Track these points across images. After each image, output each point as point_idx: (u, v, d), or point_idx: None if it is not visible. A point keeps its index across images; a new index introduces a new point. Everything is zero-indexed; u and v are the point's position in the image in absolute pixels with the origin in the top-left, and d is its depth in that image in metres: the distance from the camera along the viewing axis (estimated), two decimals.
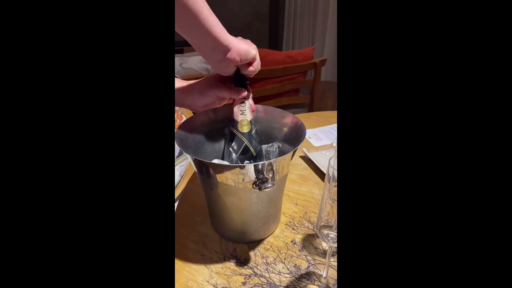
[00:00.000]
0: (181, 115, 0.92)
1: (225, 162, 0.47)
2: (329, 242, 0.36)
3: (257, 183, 0.38)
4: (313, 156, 0.68)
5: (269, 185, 0.37)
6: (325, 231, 0.37)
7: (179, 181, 0.89)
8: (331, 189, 0.34)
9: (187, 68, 1.29)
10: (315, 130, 0.84)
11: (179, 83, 0.47)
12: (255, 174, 0.38)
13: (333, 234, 0.37)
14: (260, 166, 0.38)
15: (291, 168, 0.67)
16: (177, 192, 0.89)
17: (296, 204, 0.57)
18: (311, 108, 1.63)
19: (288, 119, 0.49)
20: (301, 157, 0.72)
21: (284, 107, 1.64)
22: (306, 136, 0.82)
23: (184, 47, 2.87)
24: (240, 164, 0.43)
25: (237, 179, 0.39)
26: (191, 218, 0.54)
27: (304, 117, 0.96)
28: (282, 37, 3.06)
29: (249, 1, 3.07)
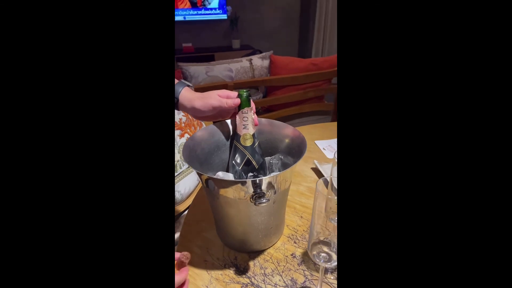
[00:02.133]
0: (202, 123, 0.97)
1: (230, 174, 0.49)
2: (320, 261, 0.37)
3: (254, 197, 0.40)
4: (323, 169, 0.68)
5: (264, 200, 0.39)
6: (316, 251, 0.37)
7: (196, 186, 0.93)
8: (328, 206, 0.35)
9: (212, 76, 1.35)
10: (330, 141, 0.84)
11: (187, 92, 0.50)
12: (253, 189, 0.40)
13: (324, 253, 0.37)
14: (257, 181, 0.40)
15: (300, 180, 0.68)
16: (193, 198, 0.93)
17: (301, 217, 0.57)
18: (335, 116, 1.60)
19: (290, 132, 0.50)
20: (312, 169, 0.72)
21: (307, 114, 1.64)
22: (321, 148, 0.82)
23: (215, 53, 2.98)
24: (237, 180, 0.45)
25: (236, 193, 0.41)
26: (199, 223, 0.57)
27: (321, 128, 0.95)
28: (312, 42, 3.03)
29: (280, 6, 3.10)
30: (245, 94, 0.47)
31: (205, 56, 2.94)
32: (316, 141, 0.84)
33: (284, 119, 1.58)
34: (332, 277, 0.46)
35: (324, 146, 0.82)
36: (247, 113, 0.48)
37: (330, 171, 0.43)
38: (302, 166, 0.73)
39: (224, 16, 2.99)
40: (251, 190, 0.40)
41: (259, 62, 1.52)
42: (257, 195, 0.40)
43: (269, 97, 1.51)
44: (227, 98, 0.49)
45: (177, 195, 0.88)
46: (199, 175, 0.43)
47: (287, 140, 0.51)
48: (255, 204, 0.39)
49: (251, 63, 1.46)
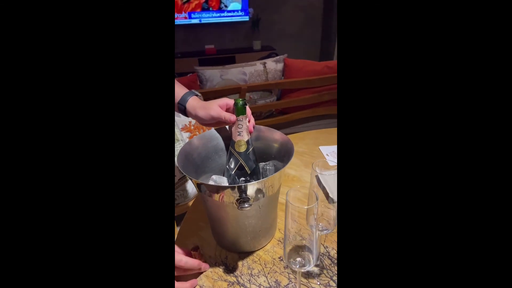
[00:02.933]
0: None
1: (224, 178, 0.52)
2: (296, 266, 0.39)
3: (239, 201, 0.43)
4: (322, 176, 0.68)
5: (247, 205, 0.41)
6: (292, 257, 0.39)
7: None
8: (309, 213, 0.37)
9: (226, 79, 1.39)
10: (334, 147, 0.84)
11: (194, 101, 0.55)
12: (238, 194, 0.43)
13: (300, 257, 0.39)
14: (242, 187, 0.42)
15: (299, 185, 0.69)
16: None
17: (295, 221, 0.59)
18: None
19: (280, 138, 0.53)
20: None
21: (322, 117, 1.63)
22: (324, 154, 0.83)
23: (236, 54, 3.03)
24: (222, 186, 0.48)
25: (222, 197, 0.44)
26: (196, 222, 0.61)
27: (327, 133, 0.95)
28: (335, 42, 2.98)
29: (302, 7, 3.08)
30: (240, 102, 0.50)
31: (226, 57, 3.00)
32: (320, 147, 0.85)
33: (299, 121, 1.59)
34: (317, 283, 0.47)
35: (328, 152, 0.82)
36: (241, 120, 0.50)
37: (310, 179, 0.44)
38: (302, 172, 0.74)
39: (246, 18, 3.04)
40: (236, 195, 0.43)
41: (273, 65, 1.53)
42: (241, 200, 0.42)
43: (283, 100, 1.53)
44: (226, 106, 0.52)
45: (185, 194, 0.93)
46: (191, 179, 0.46)
47: (277, 146, 0.53)
48: (238, 208, 0.42)
49: (265, 67, 1.49)
